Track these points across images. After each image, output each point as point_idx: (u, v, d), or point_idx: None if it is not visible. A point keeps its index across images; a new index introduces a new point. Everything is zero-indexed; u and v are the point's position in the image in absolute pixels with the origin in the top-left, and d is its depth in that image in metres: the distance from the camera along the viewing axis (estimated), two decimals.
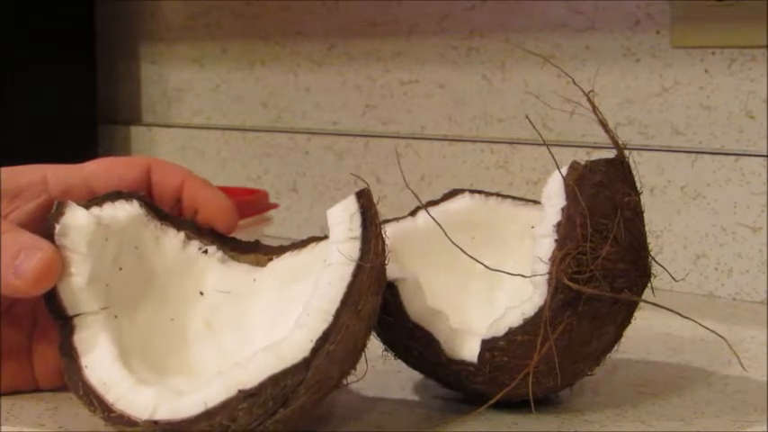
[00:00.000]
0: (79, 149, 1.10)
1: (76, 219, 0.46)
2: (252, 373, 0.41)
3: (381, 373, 0.53)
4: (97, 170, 0.52)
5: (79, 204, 0.47)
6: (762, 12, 0.73)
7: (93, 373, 0.44)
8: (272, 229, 0.85)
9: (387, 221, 0.55)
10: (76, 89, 1.11)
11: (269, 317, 0.50)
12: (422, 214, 0.55)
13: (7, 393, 0.51)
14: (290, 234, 0.98)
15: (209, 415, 0.41)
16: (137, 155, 1.13)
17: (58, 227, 0.46)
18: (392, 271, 0.48)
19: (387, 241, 0.45)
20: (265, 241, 0.54)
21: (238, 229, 0.54)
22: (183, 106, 1.11)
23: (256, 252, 0.52)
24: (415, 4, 0.92)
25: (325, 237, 0.46)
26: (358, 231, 0.44)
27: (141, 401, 0.42)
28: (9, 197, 0.49)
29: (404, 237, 0.54)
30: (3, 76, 1.04)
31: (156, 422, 0.41)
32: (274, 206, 0.83)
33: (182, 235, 0.51)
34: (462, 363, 0.48)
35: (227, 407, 0.41)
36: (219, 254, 0.52)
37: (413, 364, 0.50)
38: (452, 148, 0.89)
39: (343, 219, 0.45)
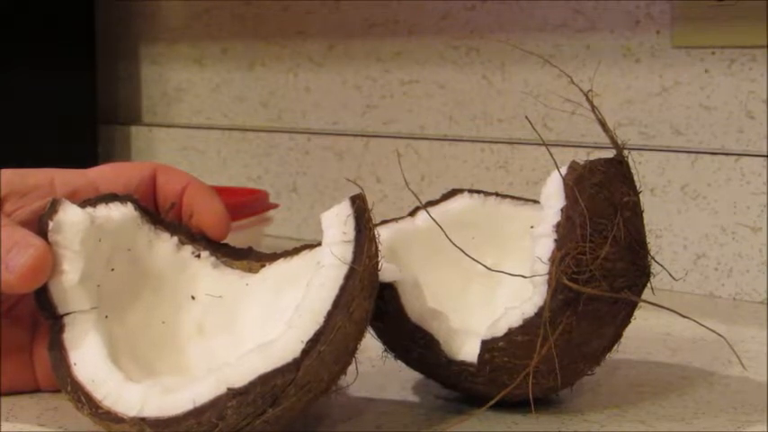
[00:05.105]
0: (79, 149, 1.10)
1: (70, 216, 0.46)
2: (242, 372, 0.41)
3: (381, 373, 0.53)
4: (104, 173, 0.53)
5: (73, 203, 0.47)
6: (762, 12, 0.73)
7: (81, 370, 0.44)
8: (272, 229, 0.85)
9: (386, 221, 0.55)
10: (76, 89, 1.11)
11: (261, 321, 0.50)
12: (421, 214, 0.55)
13: (7, 393, 0.51)
14: (290, 234, 0.98)
15: (197, 412, 0.41)
16: (137, 155, 1.13)
17: (51, 224, 0.46)
18: (392, 272, 0.48)
19: (380, 246, 0.45)
20: (266, 241, 0.54)
21: (238, 229, 0.54)
22: (183, 106, 1.11)
23: (249, 258, 0.52)
24: (414, 4, 0.92)
25: (318, 244, 0.46)
26: (351, 235, 0.44)
27: (129, 398, 0.42)
28: (16, 197, 0.50)
29: (404, 237, 0.54)
30: (2, 75, 1.04)
31: (143, 419, 0.41)
32: (274, 206, 0.83)
33: (175, 239, 0.52)
34: (462, 363, 0.48)
35: (215, 405, 0.41)
36: (212, 259, 0.52)
37: (413, 364, 0.51)
38: (452, 148, 0.89)
39: (336, 222, 0.45)
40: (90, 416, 0.43)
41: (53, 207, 0.46)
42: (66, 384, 0.44)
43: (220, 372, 0.41)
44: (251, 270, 0.52)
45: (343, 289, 0.43)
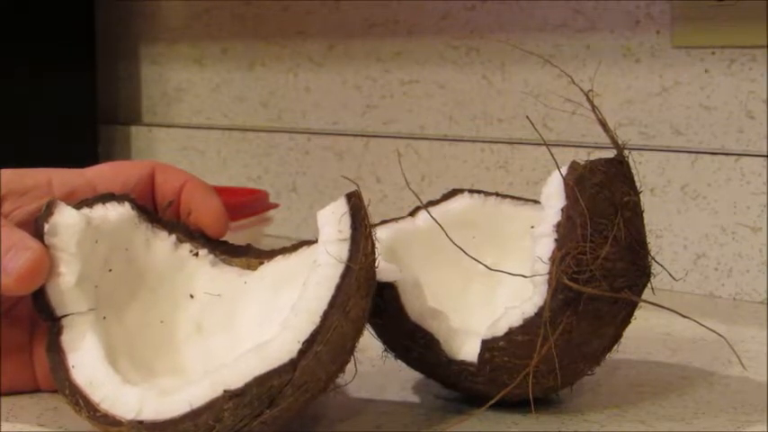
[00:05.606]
0: (79, 149, 1.10)
1: (66, 218, 0.46)
2: (238, 374, 0.41)
3: (381, 373, 0.53)
4: (102, 172, 0.53)
5: (69, 205, 0.47)
6: (762, 12, 0.73)
7: (79, 373, 0.44)
8: (272, 229, 0.85)
9: (386, 221, 0.55)
10: (77, 89, 1.11)
11: (259, 320, 0.50)
12: (422, 214, 0.55)
13: (7, 393, 0.51)
14: (289, 234, 0.98)
15: (194, 415, 0.41)
16: (137, 155, 1.13)
17: (47, 226, 0.46)
18: (392, 271, 0.48)
19: (377, 243, 0.45)
20: (265, 240, 0.54)
21: (238, 229, 0.54)
22: (183, 106, 1.11)
23: (247, 256, 0.52)
24: (414, 4, 0.92)
25: (317, 241, 0.46)
26: (347, 233, 0.44)
27: (126, 401, 0.42)
28: (14, 197, 0.50)
29: (404, 237, 0.54)
30: (3, 76, 1.04)
31: (141, 422, 0.41)
32: (274, 206, 0.83)
33: (173, 237, 0.51)
34: (462, 363, 0.48)
35: (212, 407, 0.41)
36: (210, 257, 0.52)
37: (413, 364, 0.50)
38: (452, 148, 0.89)
39: (332, 220, 0.45)
40: (88, 419, 0.43)
41: (49, 209, 0.46)
42: (64, 387, 0.44)
43: (217, 373, 0.41)
44: (249, 267, 0.52)
45: (339, 288, 0.43)
